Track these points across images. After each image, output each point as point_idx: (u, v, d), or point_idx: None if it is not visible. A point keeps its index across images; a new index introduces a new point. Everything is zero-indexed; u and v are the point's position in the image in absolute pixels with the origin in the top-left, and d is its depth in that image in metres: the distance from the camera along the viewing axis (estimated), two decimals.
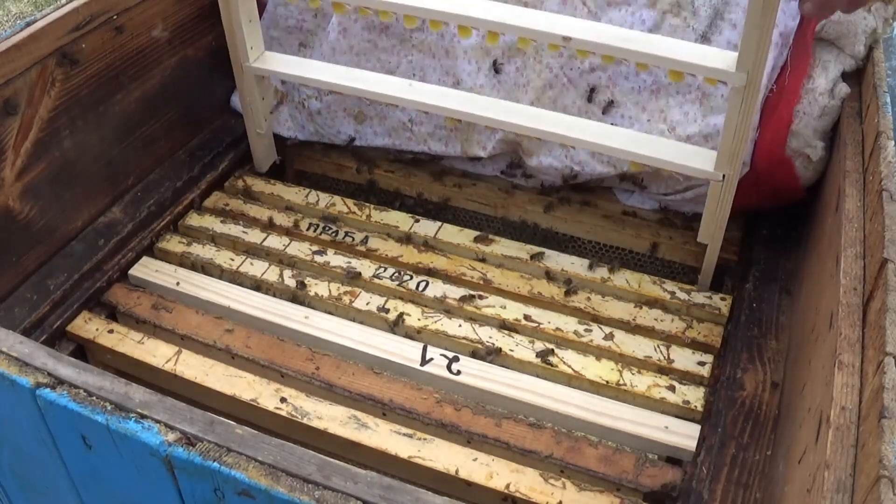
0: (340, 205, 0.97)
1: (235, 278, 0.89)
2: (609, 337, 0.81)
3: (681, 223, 0.93)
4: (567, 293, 0.86)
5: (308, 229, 0.94)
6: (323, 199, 0.98)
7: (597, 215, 0.95)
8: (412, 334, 0.82)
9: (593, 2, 0.89)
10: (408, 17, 0.86)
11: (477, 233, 0.93)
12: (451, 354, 0.79)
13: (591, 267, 0.89)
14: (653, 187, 0.93)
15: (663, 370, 0.78)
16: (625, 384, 0.76)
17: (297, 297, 0.86)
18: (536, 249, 0.91)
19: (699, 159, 0.80)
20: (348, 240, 0.93)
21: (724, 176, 0.79)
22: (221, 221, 0.95)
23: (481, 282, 0.87)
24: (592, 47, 0.77)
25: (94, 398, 0.50)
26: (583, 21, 0.80)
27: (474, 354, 0.80)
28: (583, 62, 0.90)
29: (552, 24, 0.79)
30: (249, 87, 0.96)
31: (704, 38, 0.86)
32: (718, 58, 0.74)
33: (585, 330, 0.82)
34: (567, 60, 0.90)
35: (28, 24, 0.79)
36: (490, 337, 0.81)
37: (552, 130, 0.84)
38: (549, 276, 0.88)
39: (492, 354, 0.79)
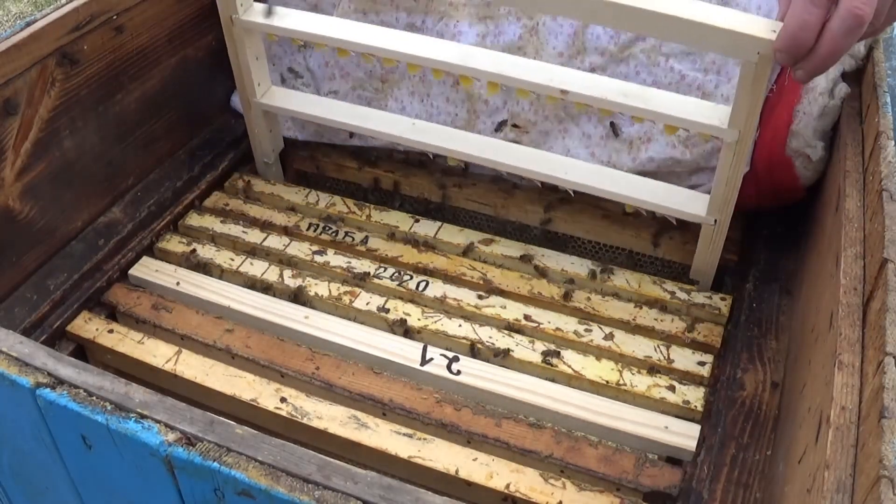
0: (340, 205, 0.97)
1: (235, 278, 0.89)
2: (609, 337, 0.81)
3: (681, 223, 0.93)
4: (567, 293, 0.86)
5: (308, 229, 0.94)
6: (323, 199, 0.98)
7: (597, 215, 0.95)
8: (412, 334, 0.82)
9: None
10: (386, 60, 0.88)
11: (478, 233, 0.93)
12: (451, 354, 0.79)
13: (592, 275, 0.88)
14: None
15: (663, 370, 0.78)
16: (625, 384, 0.76)
17: (298, 297, 0.86)
18: (536, 249, 0.91)
19: (692, 204, 0.83)
20: (348, 240, 0.93)
21: (715, 221, 0.82)
22: (221, 221, 0.95)
23: (481, 282, 0.87)
24: (589, 100, 0.80)
25: (94, 398, 0.50)
26: (581, 74, 0.82)
27: (476, 354, 0.80)
28: (583, 62, 0.90)
29: (549, 77, 0.81)
30: (257, 121, 0.98)
31: None
32: (712, 113, 0.76)
33: (585, 330, 0.82)
34: (567, 61, 0.90)
35: (28, 24, 0.79)
36: (490, 337, 0.81)
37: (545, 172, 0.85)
38: (549, 276, 0.88)
39: (499, 356, 0.79)
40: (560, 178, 0.87)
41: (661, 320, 0.83)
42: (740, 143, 0.74)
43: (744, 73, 0.69)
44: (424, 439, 0.71)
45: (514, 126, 0.93)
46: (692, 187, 0.90)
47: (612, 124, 0.91)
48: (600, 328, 0.82)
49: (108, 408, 0.50)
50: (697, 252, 0.85)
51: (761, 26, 0.67)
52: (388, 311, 0.84)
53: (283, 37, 0.99)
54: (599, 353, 0.80)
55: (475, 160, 0.90)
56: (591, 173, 0.86)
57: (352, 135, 1.02)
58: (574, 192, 0.89)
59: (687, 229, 0.92)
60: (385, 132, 0.92)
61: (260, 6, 0.90)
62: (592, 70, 0.90)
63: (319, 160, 1.05)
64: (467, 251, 0.91)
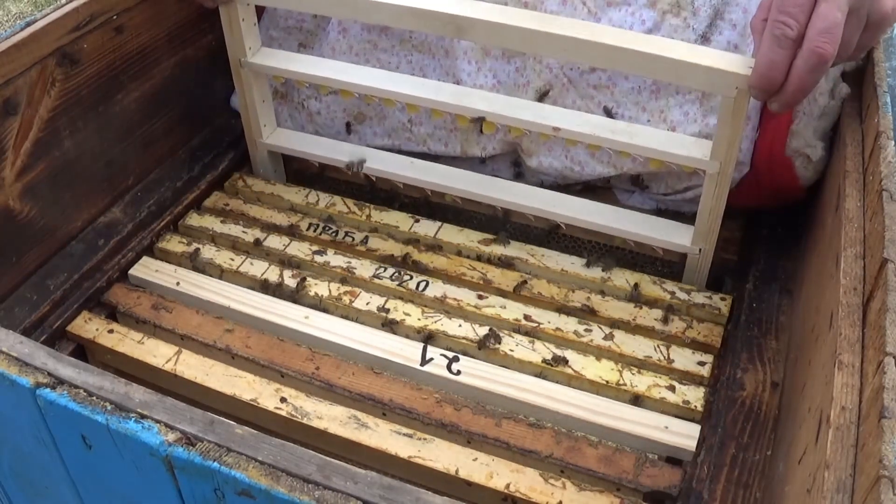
0: (340, 205, 0.97)
1: (235, 278, 0.89)
2: (609, 337, 0.81)
3: (680, 210, 0.93)
4: (567, 293, 0.86)
5: (308, 229, 0.94)
6: (323, 199, 0.98)
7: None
8: (412, 334, 0.82)
9: (593, 2, 0.89)
10: (387, 101, 0.93)
11: (478, 233, 0.93)
12: (451, 354, 0.79)
13: (592, 275, 0.88)
14: (653, 187, 0.93)
15: (663, 370, 0.78)
16: (625, 384, 0.76)
17: (297, 297, 0.86)
18: (536, 249, 0.91)
19: (677, 234, 0.87)
20: (348, 240, 0.93)
21: (700, 249, 0.84)
22: (221, 221, 0.95)
23: (481, 282, 0.87)
24: (580, 136, 0.84)
25: (94, 398, 0.50)
26: (573, 113, 0.87)
27: (477, 354, 0.80)
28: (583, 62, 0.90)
29: (543, 116, 0.86)
30: (263, 161, 1.01)
31: (704, 39, 0.86)
32: (695, 147, 0.80)
33: (585, 330, 0.82)
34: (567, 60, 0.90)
35: (28, 24, 0.79)
36: (490, 337, 0.81)
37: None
38: (550, 276, 0.88)
39: (484, 348, 0.79)
40: (551, 212, 0.90)
41: (661, 320, 0.83)
42: (721, 174, 0.77)
43: (723, 108, 0.73)
44: (424, 439, 0.71)
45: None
46: (691, 188, 0.90)
47: (605, 109, 0.90)
48: (600, 328, 0.82)
49: (108, 408, 0.50)
50: (685, 276, 0.88)
51: (738, 63, 0.71)
52: (388, 311, 0.84)
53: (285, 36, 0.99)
54: (599, 352, 0.80)
55: (469, 195, 0.94)
56: (581, 207, 0.90)
57: (349, 130, 1.02)
58: (577, 171, 0.93)
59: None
60: (386, 170, 0.96)
61: (268, 50, 0.94)
62: (593, 70, 0.90)
63: (314, 180, 1.05)
64: (467, 251, 0.91)
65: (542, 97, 0.91)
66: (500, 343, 0.80)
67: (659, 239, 0.87)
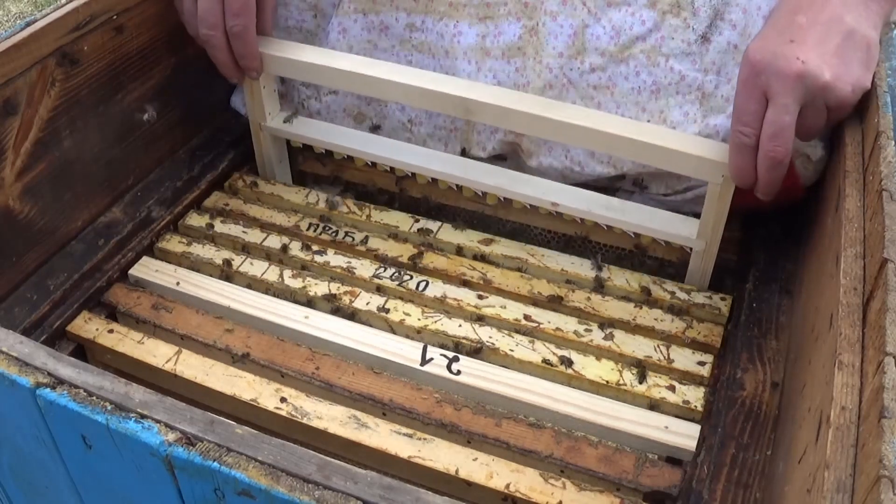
0: (340, 205, 0.97)
1: (235, 278, 0.89)
2: (609, 337, 0.81)
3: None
4: (567, 293, 0.86)
5: (308, 229, 0.94)
6: (323, 199, 0.98)
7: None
8: (412, 334, 0.82)
9: (593, 2, 0.89)
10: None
11: (478, 233, 0.93)
12: (451, 354, 0.79)
13: (592, 274, 0.88)
14: (653, 187, 0.93)
15: (663, 370, 0.78)
16: (625, 384, 0.76)
17: (297, 297, 0.86)
18: (536, 249, 0.91)
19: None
20: (348, 240, 0.93)
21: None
22: (222, 221, 0.95)
23: (481, 282, 0.87)
24: (576, 212, 0.88)
25: (94, 398, 0.50)
26: (570, 189, 0.90)
27: (470, 352, 0.80)
28: (583, 63, 0.90)
29: (543, 192, 0.89)
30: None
31: (704, 39, 0.86)
32: (683, 226, 0.85)
33: (585, 330, 0.82)
34: (567, 61, 0.90)
35: (28, 24, 0.79)
36: (490, 337, 0.81)
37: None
38: (550, 276, 0.88)
39: (477, 353, 0.80)
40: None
41: (661, 320, 0.83)
42: (707, 251, 0.84)
43: (710, 193, 0.79)
44: (424, 439, 0.71)
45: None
46: (690, 189, 0.90)
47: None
48: (600, 328, 0.82)
49: (108, 408, 0.50)
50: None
51: (725, 152, 0.77)
52: (388, 311, 0.84)
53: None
54: (599, 352, 0.80)
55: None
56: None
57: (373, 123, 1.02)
58: (577, 171, 0.93)
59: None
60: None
61: (283, 114, 0.98)
62: (592, 71, 0.90)
63: (319, 160, 1.05)
64: (467, 251, 0.91)
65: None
66: (481, 352, 0.80)
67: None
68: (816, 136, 0.76)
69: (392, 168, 1.01)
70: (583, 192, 0.90)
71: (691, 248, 0.85)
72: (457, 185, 0.97)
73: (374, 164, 1.02)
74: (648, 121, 0.89)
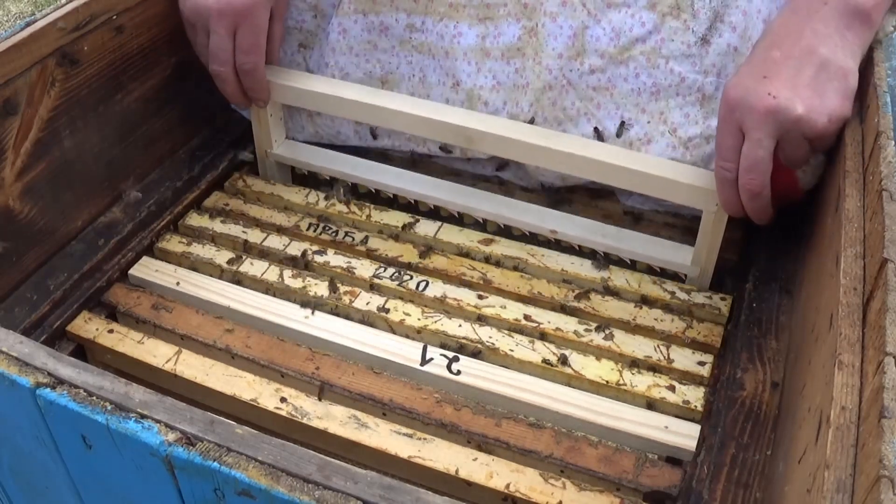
0: (340, 205, 0.97)
1: (235, 278, 0.89)
2: (609, 337, 0.81)
3: (681, 224, 0.93)
4: (567, 293, 0.86)
5: (308, 229, 0.94)
6: (323, 199, 0.98)
7: (597, 215, 0.95)
8: (412, 334, 0.82)
9: (593, 4, 0.89)
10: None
11: (478, 233, 0.93)
12: (451, 354, 0.79)
13: (592, 274, 0.88)
14: None
15: (663, 370, 0.78)
16: (625, 384, 0.76)
17: (297, 297, 0.86)
18: (536, 249, 0.91)
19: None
20: (348, 240, 0.93)
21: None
22: (221, 221, 0.95)
23: (481, 282, 0.87)
24: (574, 239, 0.90)
25: (94, 398, 0.50)
26: (569, 217, 0.92)
27: (471, 353, 0.80)
28: (583, 64, 0.90)
29: (541, 219, 0.91)
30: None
31: (704, 41, 0.86)
32: (677, 253, 0.87)
33: (585, 330, 0.82)
34: (566, 62, 0.90)
35: (28, 24, 0.79)
36: (490, 337, 0.81)
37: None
38: (550, 276, 0.88)
39: (477, 353, 0.80)
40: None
41: (661, 320, 0.83)
42: (701, 276, 0.86)
43: (704, 221, 0.82)
44: (424, 439, 0.71)
45: None
46: None
47: (595, 129, 0.91)
48: (600, 328, 0.82)
49: (108, 408, 0.50)
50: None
51: None
52: (388, 311, 0.84)
53: (285, 37, 0.99)
54: (599, 352, 0.80)
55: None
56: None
57: (374, 136, 1.02)
58: (573, 189, 0.93)
59: (688, 230, 0.92)
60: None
61: (291, 142, 1.01)
62: (592, 72, 0.90)
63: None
64: (467, 251, 0.91)
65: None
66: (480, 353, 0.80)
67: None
68: (803, 164, 0.78)
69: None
70: (580, 219, 0.92)
71: (686, 275, 0.87)
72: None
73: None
74: (648, 122, 0.89)
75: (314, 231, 0.94)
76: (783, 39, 0.76)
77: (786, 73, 0.74)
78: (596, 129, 0.91)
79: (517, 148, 0.86)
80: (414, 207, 1.00)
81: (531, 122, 0.92)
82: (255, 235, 0.93)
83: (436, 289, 0.86)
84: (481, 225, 0.98)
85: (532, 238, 0.97)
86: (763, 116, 0.73)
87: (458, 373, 0.77)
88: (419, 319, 0.83)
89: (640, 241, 0.89)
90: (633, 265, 0.91)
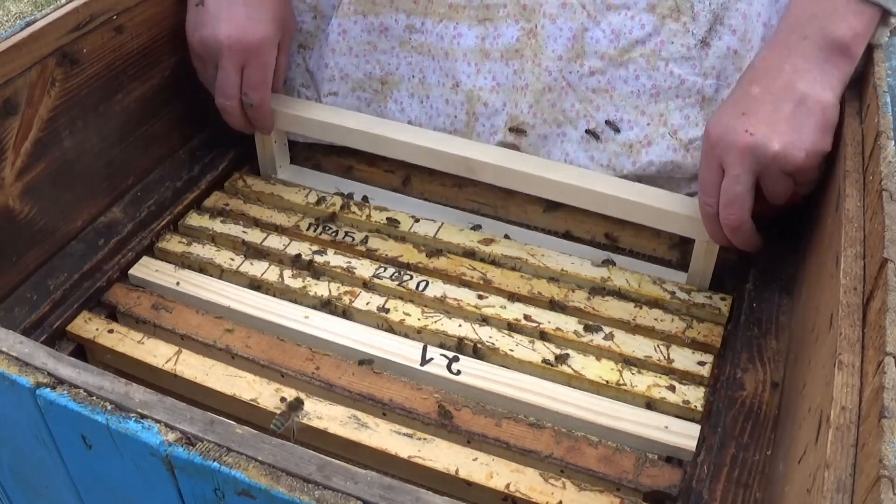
0: (340, 204, 0.97)
1: (235, 278, 0.89)
2: (609, 337, 0.81)
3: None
4: (567, 293, 0.86)
5: (308, 229, 0.94)
6: (323, 199, 0.98)
7: (597, 215, 0.95)
8: (412, 334, 0.82)
9: (593, 6, 0.89)
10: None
11: (478, 233, 0.93)
12: (451, 354, 0.79)
13: (592, 274, 0.88)
14: None
15: (663, 370, 0.78)
16: (625, 384, 0.76)
17: (297, 297, 0.86)
18: (536, 249, 0.91)
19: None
20: (348, 240, 0.93)
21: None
22: (221, 221, 0.95)
23: (481, 282, 0.87)
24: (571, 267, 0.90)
25: (94, 398, 0.50)
26: (567, 244, 0.93)
27: (477, 354, 0.80)
28: (582, 66, 0.90)
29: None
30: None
31: (704, 43, 0.86)
32: (674, 277, 0.89)
33: (585, 330, 0.82)
34: (566, 64, 0.90)
35: (28, 24, 0.79)
36: (490, 337, 0.81)
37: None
38: (550, 275, 0.88)
39: (477, 353, 0.80)
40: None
41: (661, 320, 0.83)
42: (701, 276, 0.87)
43: (697, 248, 0.84)
44: (424, 439, 0.71)
45: (513, 129, 0.93)
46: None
47: (587, 131, 0.91)
48: (600, 328, 0.82)
49: (108, 408, 0.50)
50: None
51: None
52: (388, 310, 0.84)
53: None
54: (599, 352, 0.80)
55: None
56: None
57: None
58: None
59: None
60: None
61: (295, 167, 1.04)
62: (592, 74, 0.90)
63: (319, 160, 1.05)
64: (467, 251, 0.91)
65: (518, 133, 0.93)
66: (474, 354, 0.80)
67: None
68: (785, 199, 0.79)
69: (393, 170, 1.01)
70: (577, 246, 0.93)
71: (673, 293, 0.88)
72: (458, 185, 0.97)
73: (374, 164, 1.02)
74: (648, 124, 0.89)
75: (314, 231, 0.94)
76: (763, 75, 0.77)
77: (764, 110, 0.75)
78: (588, 130, 0.91)
79: (516, 177, 0.88)
80: (414, 208, 1.00)
81: (521, 128, 0.92)
82: (255, 235, 0.93)
83: (436, 289, 0.86)
84: (481, 224, 0.98)
85: (532, 237, 0.97)
86: (741, 153, 0.74)
87: (458, 373, 0.77)
88: (419, 319, 0.83)
89: (634, 266, 0.90)
90: (633, 263, 0.91)
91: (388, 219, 0.95)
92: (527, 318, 0.83)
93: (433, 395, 0.75)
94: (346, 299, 0.85)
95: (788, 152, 0.73)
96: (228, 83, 0.91)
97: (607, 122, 0.90)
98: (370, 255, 0.91)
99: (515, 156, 0.90)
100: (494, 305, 0.84)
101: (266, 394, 0.75)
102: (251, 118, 0.95)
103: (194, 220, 0.95)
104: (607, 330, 0.82)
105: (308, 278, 0.87)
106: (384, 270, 0.88)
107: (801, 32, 0.76)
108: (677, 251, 0.92)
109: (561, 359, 0.78)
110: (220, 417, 0.49)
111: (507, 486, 0.68)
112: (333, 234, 0.94)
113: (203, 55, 0.92)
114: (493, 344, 0.80)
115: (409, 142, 0.91)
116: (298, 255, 0.90)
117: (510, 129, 0.93)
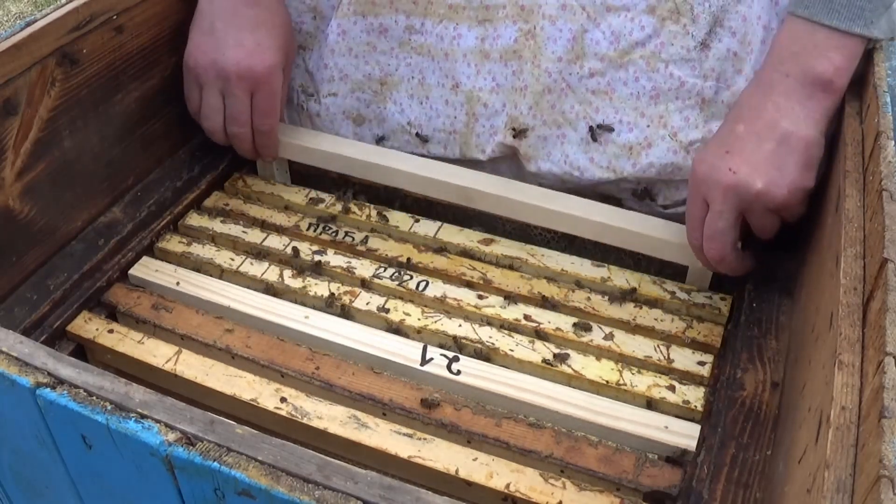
0: (340, 205, 0.97)
1: (235, 278, 0.89)
2: (609, 337, 0.81)
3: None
4: (567, 293, 0.86)
5: (308, 229, 0.94)
6: (323, 199, 0.98)
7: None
8: (412, 334, 0.82)
9: (592, 7, 0.88)
10: None
11: (478, 233, 0.93)
12: (451, 354, 0.79)
13: (592, 274, 0.88)
14: (653, 194, 0.93)
15: (663, 370, 0.78)
16: (625, 384, 0.76)
17: (297, 296, 0.86)
18: (536, 249, 0.91)
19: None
20: (348, 240, 0.93)
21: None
22: (221, 221, 0.95)
23: (481, 281, 0.87)
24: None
25: (94, 398, 0.50)
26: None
27: (471, 353, 0.80)
28: (582, 67, 0.90)
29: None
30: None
31: (704, 45, 0.86)
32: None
33: (585, 329, 0.82)
34: (566, 65, 0.90)
35: (28, 24, 0.79)
36: (490, 337, 0.81)
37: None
38: (550, 276, 0.88)
39: (477, 353, 0.80)
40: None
41: (661, 320, 0.83)
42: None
43: (691, 273, 0.86)
44: (424, 439, 0.71)
45: (512, 130, 0.93)
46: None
47: (590, 129, 0.91)
48: (600, 328, 0.82)
49: (108, 408, 0.50)
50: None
51: None
52: (388, 310, 0.84)
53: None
54: (599, 352, 0.80)
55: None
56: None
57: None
58: (577, 176, 0.94)
59: None
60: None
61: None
62: (591, 76, 0.90)
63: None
64: (467, 251, 0.91)
65: (517, 134, 0.92)
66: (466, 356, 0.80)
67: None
68: (773, 233, 0.81)
69: None
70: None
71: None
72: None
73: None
74: (648, 126, 0.89)
75: (314, 231, 0.94)
76: (747, 113, 0.78)
77: (747, 149, 0.76)
78: (591, 128, 0.91)
79: (515, 207, 0.90)
80: (414, 207, 1.00)
81: (524, 131, 0.92)
82: (255, 235, 0.93)
83: (436, 289, 0.86)
84: (481, 225, 0.98)
85: (532, 238, 0.97)
86: (724, 191, 0.76)
87: (458, 373, 0.77)
88: (419, 319, 0.83)
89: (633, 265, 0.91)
90: (633, 264, 0.91)
91: (388, 219, 0.95)
92: (527, 317, 0.83)
93: (433, 394, 0.75)
94: (346, 299, 0.85)
95: (770, 190, 0.75)
96: (241, 111, 0.92)
97: (600, 126, 0.90)
98: (370, 254, 0.91)
99: (514, 185, 0.91)
100: (494, 305, 0.84)
101: (266, 394, 0.75)
102: (259, 145, 0.96)
103: (194, 220, 0.95)
104: (607, 330, 0.82)
105: (308, 278, 0.87)
106: (384, 270, 0.88)
107: (784, 70, 0.77)
108: None
109: (561, 359, 0.78)
110: (220, 417, 0.49)
111: (507, 486, 0.68)
112: (333, 234, 0.94)
113: (202, 80, 0.92)
114: (493, 344, 0.80)
115: (409, 171, 0.93)
116: (298, 255, 0.90)
117: (511, 133, 0.93)
